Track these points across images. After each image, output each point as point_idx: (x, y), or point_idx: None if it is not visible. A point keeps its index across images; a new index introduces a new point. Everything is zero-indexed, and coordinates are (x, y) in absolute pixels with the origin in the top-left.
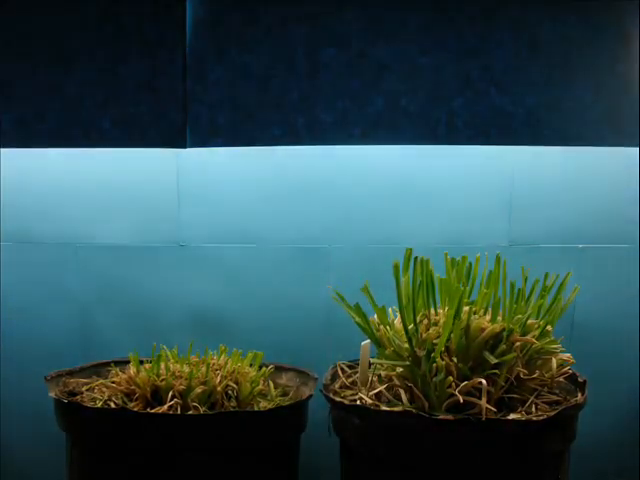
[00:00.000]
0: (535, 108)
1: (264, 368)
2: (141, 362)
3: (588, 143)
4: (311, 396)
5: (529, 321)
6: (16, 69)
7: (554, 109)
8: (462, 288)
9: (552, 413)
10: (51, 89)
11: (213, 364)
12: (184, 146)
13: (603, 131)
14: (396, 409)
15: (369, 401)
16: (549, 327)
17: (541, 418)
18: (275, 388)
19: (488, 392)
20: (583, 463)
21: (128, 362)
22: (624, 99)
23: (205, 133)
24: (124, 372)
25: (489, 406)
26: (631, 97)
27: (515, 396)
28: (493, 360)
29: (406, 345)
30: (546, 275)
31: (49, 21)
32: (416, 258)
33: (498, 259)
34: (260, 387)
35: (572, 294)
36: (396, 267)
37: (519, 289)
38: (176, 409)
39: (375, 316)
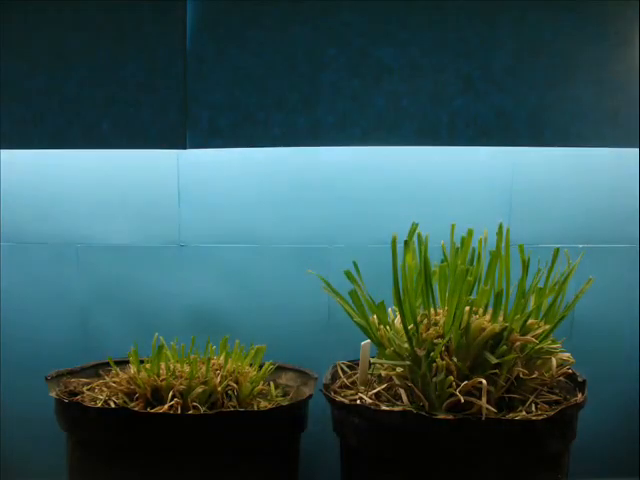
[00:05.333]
0: (536, 108)
1: (267, 364)
2: (141, 362)
3: (588, 143)
4: (311, 396)
5: (529, 321)
6: (16, 69)
7: (555, 109)
8: (466, 268)
9: (552, 413)
10: (51, 89)
11: (213, 364)
12: (184, 147)
13: (603, 131)
14: (396, 409)
15: (369, 401)
16: (548, 326)
17: (541, 418)
18: (275, 388)
19: (488, 392)
20: (583, 463)
21: (128, 362)
22: (624, 99)
23: (205, 134)
24: (124, 372)
25: (489, 406)
26: (631, 97)
27: (515, 396)
28: (494, 360)
29: (406, 345)
30: (551, 267)
31: (49, 21)
32: (411, 237)
33: (500, 231)
34: (260, 387)
35: (580, 292)
36: (394, 242)
37: (519, 285)
38: (176, 409)
39: (375, 316)
